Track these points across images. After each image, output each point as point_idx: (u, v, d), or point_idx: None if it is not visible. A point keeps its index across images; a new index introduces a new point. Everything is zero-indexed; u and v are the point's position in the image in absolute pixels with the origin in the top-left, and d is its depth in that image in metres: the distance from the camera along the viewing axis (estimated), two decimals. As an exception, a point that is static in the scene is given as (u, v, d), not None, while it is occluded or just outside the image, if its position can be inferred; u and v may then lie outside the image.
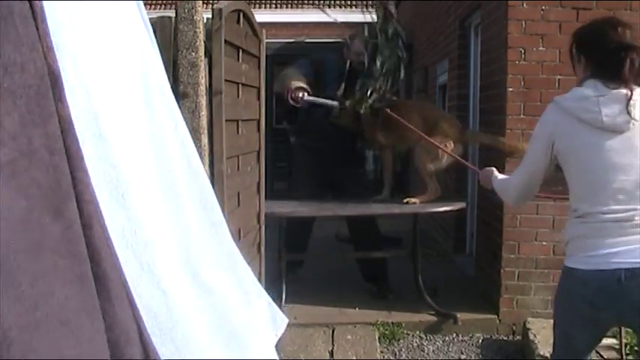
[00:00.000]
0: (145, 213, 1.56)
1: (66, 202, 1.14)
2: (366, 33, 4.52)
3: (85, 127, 1.33)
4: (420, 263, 4.19)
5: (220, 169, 2.69)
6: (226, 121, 2.74)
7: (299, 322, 3.90)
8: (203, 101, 2.52)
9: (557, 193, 2.56)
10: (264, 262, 3.77)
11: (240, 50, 3.08)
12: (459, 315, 3.95)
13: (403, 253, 4.55)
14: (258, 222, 3.63)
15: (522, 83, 3.85)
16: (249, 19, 3.23)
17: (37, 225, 1.07)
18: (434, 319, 4.00)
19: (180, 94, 2.48)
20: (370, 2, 4.82)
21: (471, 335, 3.93)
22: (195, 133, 2.51)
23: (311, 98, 4.17)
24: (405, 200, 4.03)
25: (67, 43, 1.29)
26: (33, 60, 1.10)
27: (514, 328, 3.93)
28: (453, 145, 3.92)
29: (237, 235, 3.06)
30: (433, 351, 3.76)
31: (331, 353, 3.54)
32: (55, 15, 1.24)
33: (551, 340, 2.29)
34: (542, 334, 3.51)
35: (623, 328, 2.95)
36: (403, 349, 3.76)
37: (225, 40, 2.69)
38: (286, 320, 2.23)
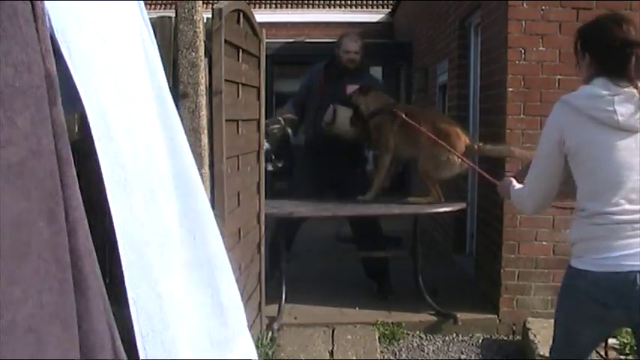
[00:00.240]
0: (149, 213, 1.57)
1: (59, 207, 1.14)
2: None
3: (94, 127, 1.33)
4: (420, 263, 4.18)
5: (220, 169, 2.69)
6: (226, 121, 2.74)
7: (299, 322, 3.90)
8: (203, 101, 2.52)
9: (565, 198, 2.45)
10: (264, 262, 3.77)
11: (240, 50, 3.08)
12: (459, 315, 3.95)
13: (403, 253, 4.55)
14: (258, 222, 3.64)
15: (522, 83, 3.84)
16: (249, 19, 3.23)
17: (30, 228, 1.06)
18: (434, 319, 4.00)
19: (180, 94, 2.48)
20: (370, 2, 4.79)
21: (471, 335, 3.93)
22: (195, 133, 2.51)
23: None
24: (406, 200, 4.03)
25: (75, 42, 1.29)
26: (36, 61, 1.10)
27: (514, 328, 3.93)
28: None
29: (237, 235, 3.06)
30: (433, 351, 3.76)
31: (331, 353, 3.54)
32: (63, 15, 1.24)
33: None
34: (543, 334, 3.50)
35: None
36: (403, 349, 3.76)
37: (225, 40, 2.69)
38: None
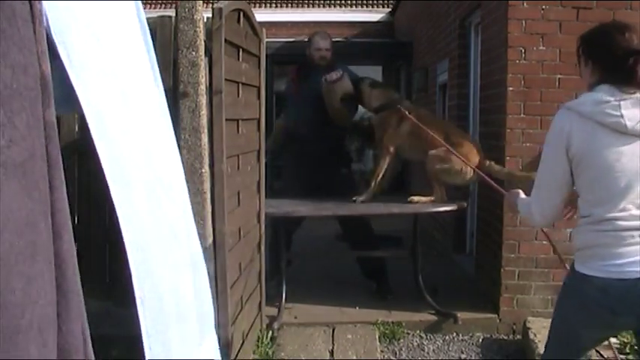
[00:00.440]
0: (152, 213, 1.57)
1: (53, 210, 1.14)
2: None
3: (93, 127, 1.33)
4: (420, 263, 4.18)
5: (220, 169, 2.69)
6: (226, 120, 2.74)
7: (299, 322, 3.90)
8: (203, 100, 2.52)
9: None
10: (264, 262, 3.77)
11: (241, 49, 3.08)
12: (459, 314, 3.94)
13: (403, 253, 4.55)
14: (259, 221, 3.64)
15: (522, 82, 3.84)
16: (249, 19, 3.23)
17: (35, 228, 1.06)
18: (434, 318, 4.00)
19: (180, 94, 2.48)
20: (370, 2, 4.82)
21: (471, 334, 3.92)
22: (195, 132, 2.51)
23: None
24: (409, 199, 4.01)
25: (72, 43, 1.29)
26: (32, 63, 1.09)
27: (514, 327, 3.93)
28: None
29: (237, 235, 3.07)
30: (433, 350, 3.76)
31: (331, 353, 3.54)
32: (60, 15, 1.24)
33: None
34: (543, 334, 3.49)
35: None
36: (403, 349, 3.76)
37: (226, 40, 2.69)
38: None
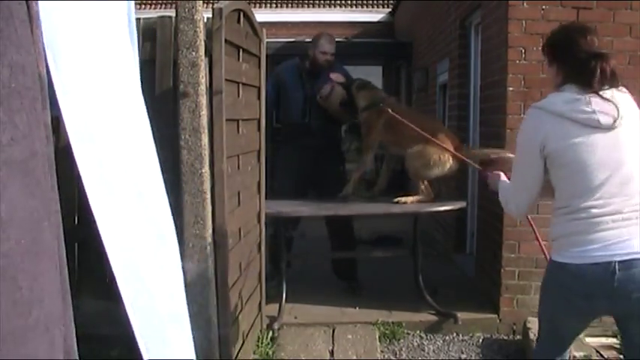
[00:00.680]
0: (137, 214, 1.57)
1: (53, 209, 1.14)
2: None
3: (71, 130, 1.33)
4: (421, 263, 4.18)
5: (221, 169, 2.69)
6: (227, 120, 2.74)
7: (299, 322, 3.90)
8: (203, 101, 2.52)
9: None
10: (264, 262, 3.77)
11: (241, 50, 3.08)
12: (459, 314, 3.94)
13: (403, 253, 4.54)
14: (259, 221, 3.64)
15: (523, 83, 3.84)
16: (249, 19, 3.23)
17: (38, 226, 1.06)
18: (434, 318, 4.00)
19: (180, 94, 2.49)
20: (371, 2, 4.83)
21: (471, 335, 3.92)
22: (195, 132, 2.51)
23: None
24: (396, 200, 4.01)
25: (58, 43, 1.29)
26: (29, 63, 1.10)
27: (514, 327, 3.93)
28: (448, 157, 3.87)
29: (238, 235, 3.07)
30: (433, 350, 3.76)
31: (331, 353, 3.54)
32: (46, 15, 1.23)
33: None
34: (543, 334, 3.50)
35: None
36: (403, 349, 3.76)
37: (226, 40, 2.69)
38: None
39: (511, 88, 3.85)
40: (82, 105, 1.38)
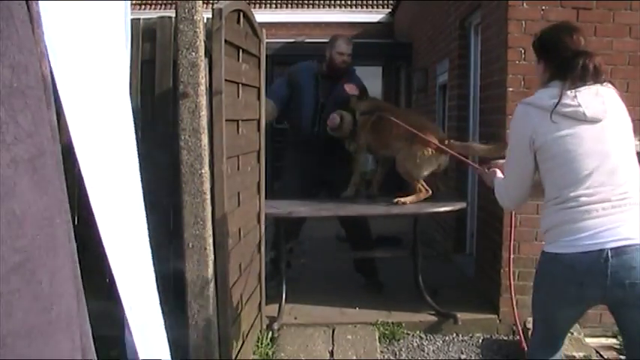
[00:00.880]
0: (130, 218, 1.57)
1: (65, 206, 1.14)
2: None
3: (74, 130, 1.33)
4: (420, 263, 4.18)
5: (220, 169, 2.69)
6: (226, 121, 2.74)
7: (299, 322, 3.90)
8: (203, 101, 2.52)
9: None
10: (264, 262, 3.77)
11: (241, 50, 3.08)
12: (459, 315, 3.94)
13: (403, 253, 4.55)
14: (259, 222, 3.64)
15: (522, 83, 3.84)
16: (249, 19, 3.23)
17: (52, 222, 1.07)
18: (434, 318, 4.00)
19: (180, 94, 2.49)
20: (370, 2, 4.82)
21: (471, 335, 3.92)
22: (195, 132, 2.51)
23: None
24: (395, 200, 4.01)
25: (57, 43, 1.29)
26: (32, 63, 1.10)
27: (514, 327, 3.93)
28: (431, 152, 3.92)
29: (238, 235, 3.07)
30: (433, 351, 3.76)
31: (331, 353, 3.54)
32: (45, 15, 1.24)
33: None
34: (543, 334, 3.50)
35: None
36: (403, 349, 3.76)
37: (226, 40, 2.69)
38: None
39: (511, 89, 3.85)
40: (82, 105, 1.38)
